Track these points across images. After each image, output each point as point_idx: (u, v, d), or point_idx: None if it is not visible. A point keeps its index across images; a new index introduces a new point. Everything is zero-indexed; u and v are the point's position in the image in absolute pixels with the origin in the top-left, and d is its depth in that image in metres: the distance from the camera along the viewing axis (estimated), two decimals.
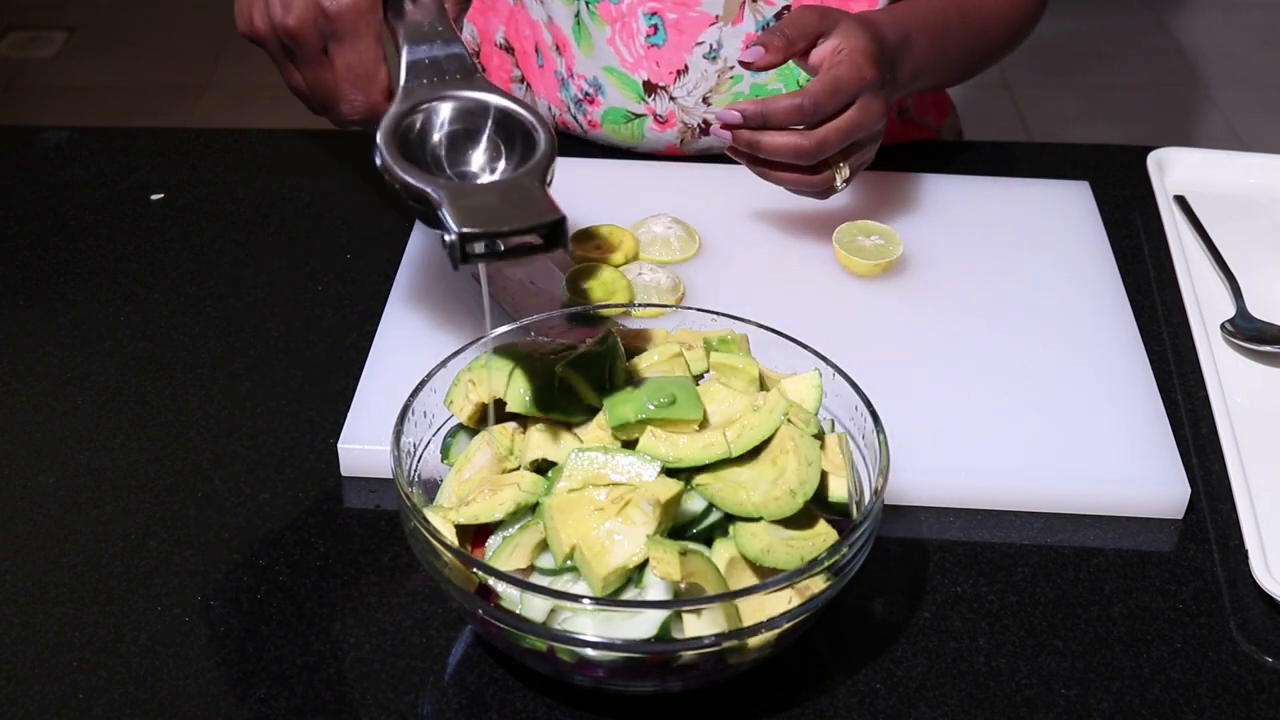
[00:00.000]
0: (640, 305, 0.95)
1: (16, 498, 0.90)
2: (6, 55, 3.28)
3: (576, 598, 0.72)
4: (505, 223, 0.72)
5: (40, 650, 0.80)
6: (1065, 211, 1.17)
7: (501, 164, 0.79)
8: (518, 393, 0.79)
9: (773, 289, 1.06)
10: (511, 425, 0.81)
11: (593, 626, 0.71)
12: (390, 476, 0.78)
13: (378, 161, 0.77)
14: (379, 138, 0.77)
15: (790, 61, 1.01)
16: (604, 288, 1.02)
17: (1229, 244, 1.12)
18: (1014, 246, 1.12)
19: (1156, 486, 0.90)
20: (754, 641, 0.72)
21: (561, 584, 0.74)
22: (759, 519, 0.75)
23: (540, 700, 0.78)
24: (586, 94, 1.21)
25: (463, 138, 0.80)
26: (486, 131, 0.80)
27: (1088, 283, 1.09)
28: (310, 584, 0.84)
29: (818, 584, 0.73)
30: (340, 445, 0.91)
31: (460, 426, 0.83)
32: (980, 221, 1.15)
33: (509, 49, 1.28)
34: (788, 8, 1.15)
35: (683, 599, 0.72)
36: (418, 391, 0.82)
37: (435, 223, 0.74)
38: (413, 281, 1.06)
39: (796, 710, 0.78)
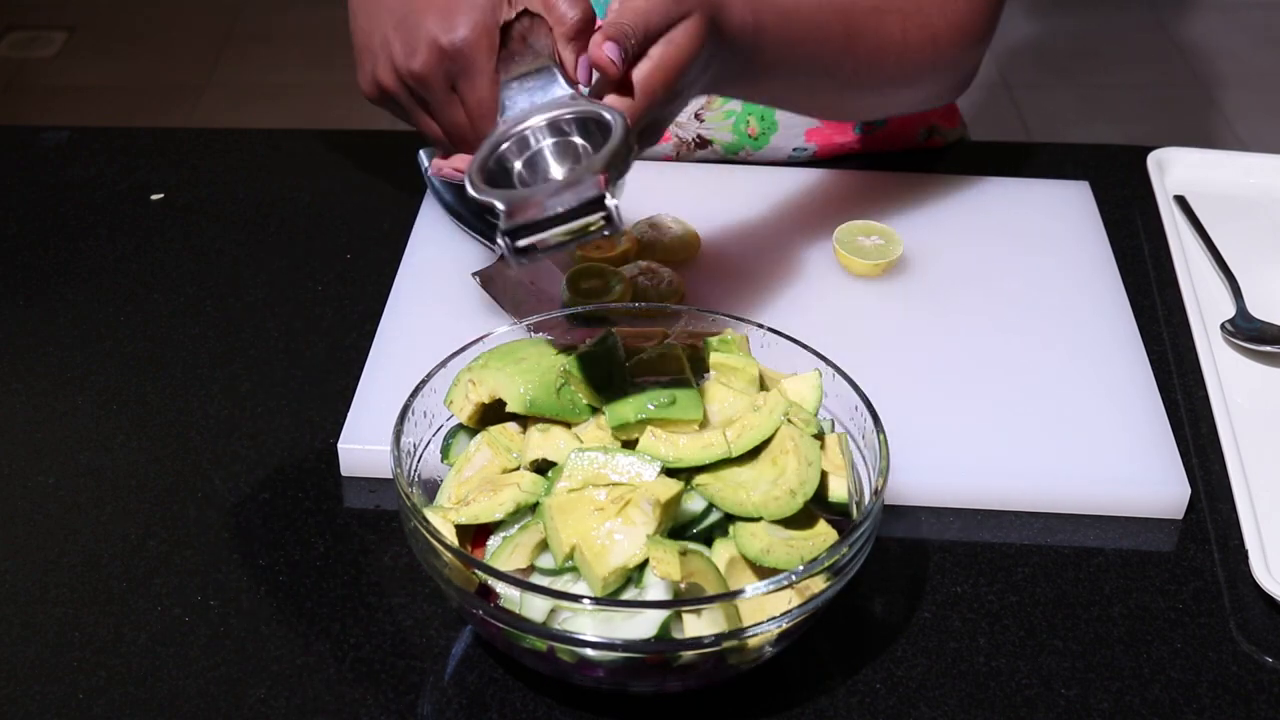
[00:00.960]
0: (640, 305, 0.95)
1: (16, 498, 0.90)
2: (6, 55, 3.28)
3: (576, 598, 0.71)
4: (550, 211, 0.72)
5: (40, 650, 0.80)
6: (1065, 211, 1.17)
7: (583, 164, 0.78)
8: (518, 393, 0.79)
9: (773, 289, 1.06)
10: (511, 425, 0.81)
11: (593, 626, 0.71)
12: (390, 476, 0.78)
13: (469, 191, 0.77)
14: (469, 170, 0.77)
15: None
16: (604, 288, 1.02)
17: (1229, 244, 1.12)
18: (1014, 246, 1.12)
19: (1156, 486, 0.90)
20: (754, 641, 0.72)
21: (561, 584, 0.74)
22: (759, 519, 0.75)
23: (540, 700, 0.78)
24: None
25: (559, 152, 0.81)
26: (572, 140, 0.80)
27: (1088, 283, 1.09)
28: (310, 584, 0.84)
29: (818, 584, 0.73)
30: (340, 445, 0.91)
31: (460, 426, 0.83)
32: (980, 221, 1.15)
33: None
34: None
35: (683, 599, 0.72)
36: (418, 391, 0.82)
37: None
38: (413, 281, 1.06)
39: (796, 710, 0.78)
